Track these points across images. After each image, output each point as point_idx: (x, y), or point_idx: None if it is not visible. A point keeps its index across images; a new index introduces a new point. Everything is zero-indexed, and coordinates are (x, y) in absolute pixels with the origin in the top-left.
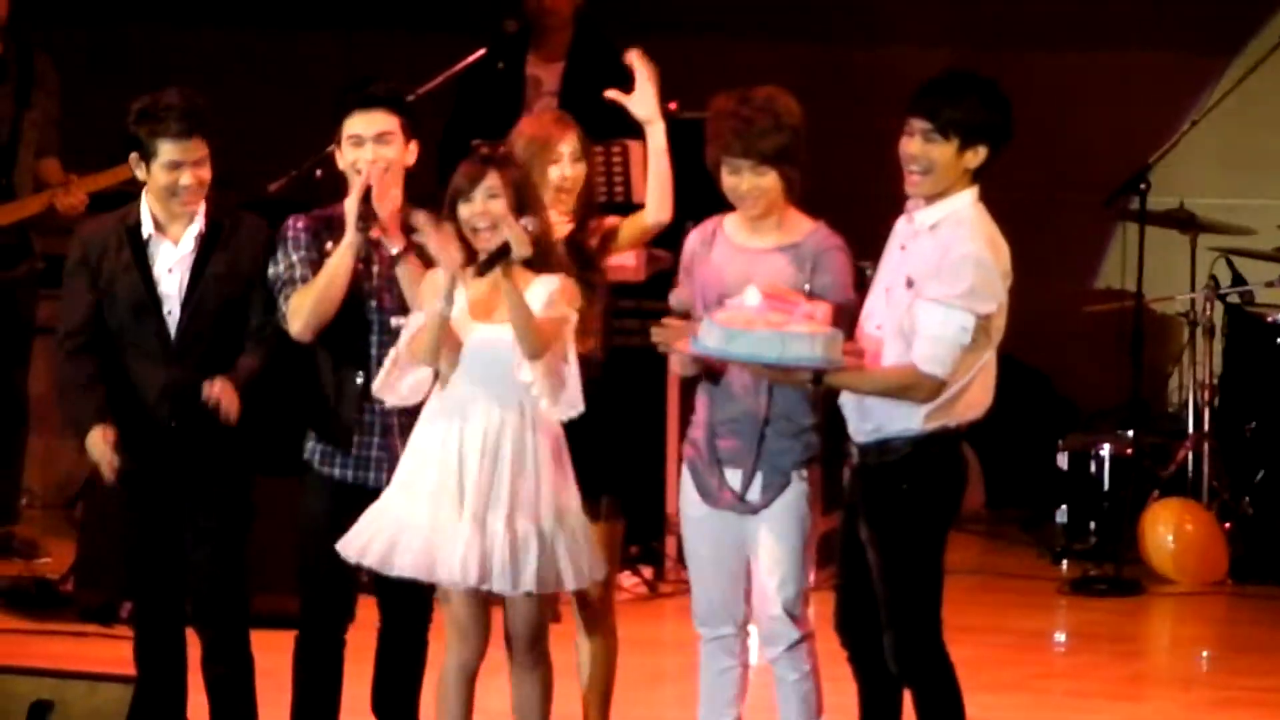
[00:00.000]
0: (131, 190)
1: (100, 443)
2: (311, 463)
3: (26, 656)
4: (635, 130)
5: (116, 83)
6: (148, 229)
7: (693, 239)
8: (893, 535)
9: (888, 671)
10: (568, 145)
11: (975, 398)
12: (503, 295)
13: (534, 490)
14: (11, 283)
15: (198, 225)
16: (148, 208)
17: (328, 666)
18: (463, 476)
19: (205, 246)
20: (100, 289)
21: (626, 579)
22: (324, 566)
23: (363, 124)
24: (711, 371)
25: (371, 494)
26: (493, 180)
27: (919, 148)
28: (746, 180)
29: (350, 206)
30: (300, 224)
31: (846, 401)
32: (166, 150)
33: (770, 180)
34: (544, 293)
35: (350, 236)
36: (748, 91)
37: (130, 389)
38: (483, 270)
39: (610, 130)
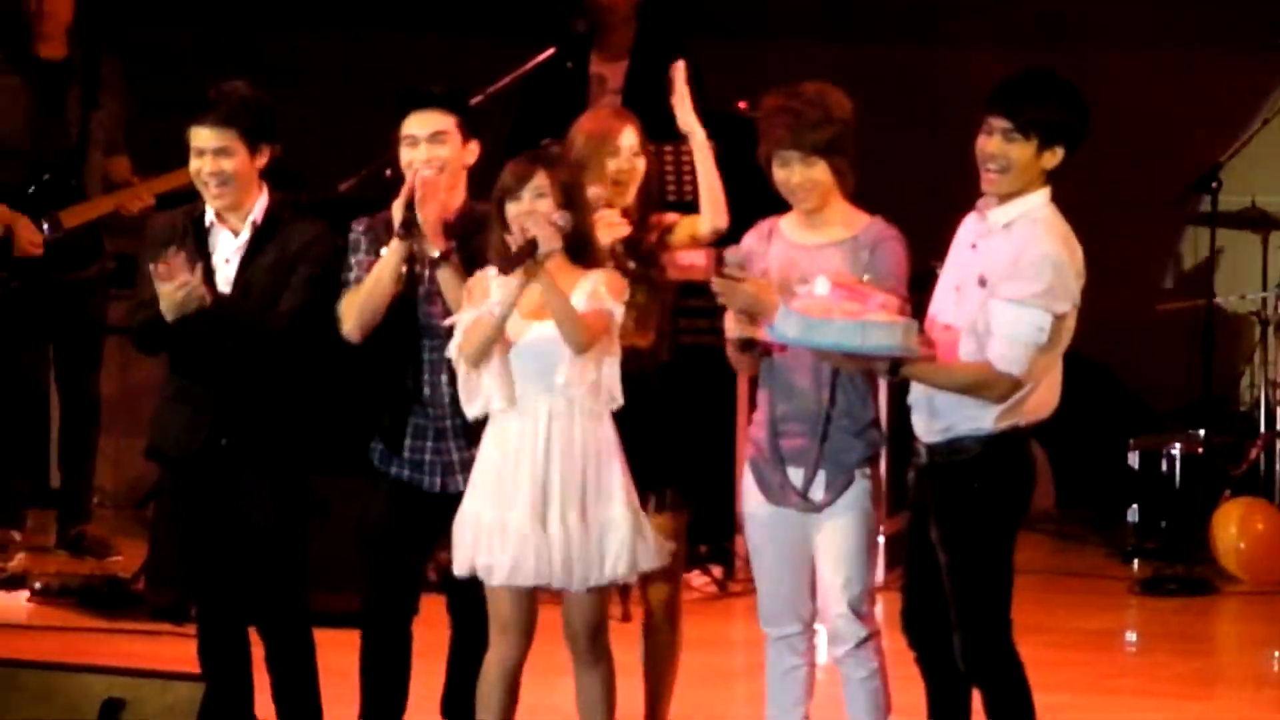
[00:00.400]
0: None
1: (167, 284)
2: (373, 461)
3: (99, 655)
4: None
5: (198, 84)
6: (209, 218)
7: (749, 238)
8: (962, 535)
9: (956, 671)
10: (626, 139)
11: (1044, 398)
12: (542, 290)
13: (583, 484)
14: (83, 283)
15: (254, 216)
16: (209, 202)
17: (393, 663)
18: (518, 474)
19: (258, 237)
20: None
21: (696, 578)
22: (384, 563)
23: (418, 124)
24: (769, 368)
25: (426, 496)
26: (540, 180)
27: (998, 146)
28: (797, 173)
29: (396, 212)
30: (360, 227)
31: (917, 400)
32: (191, 136)
33: (820, 172)
34: (588, 287)
35: (393, 242)
36: (797, 86)
37: (185, 378)
38: (508, 268)
39: (675, 127)
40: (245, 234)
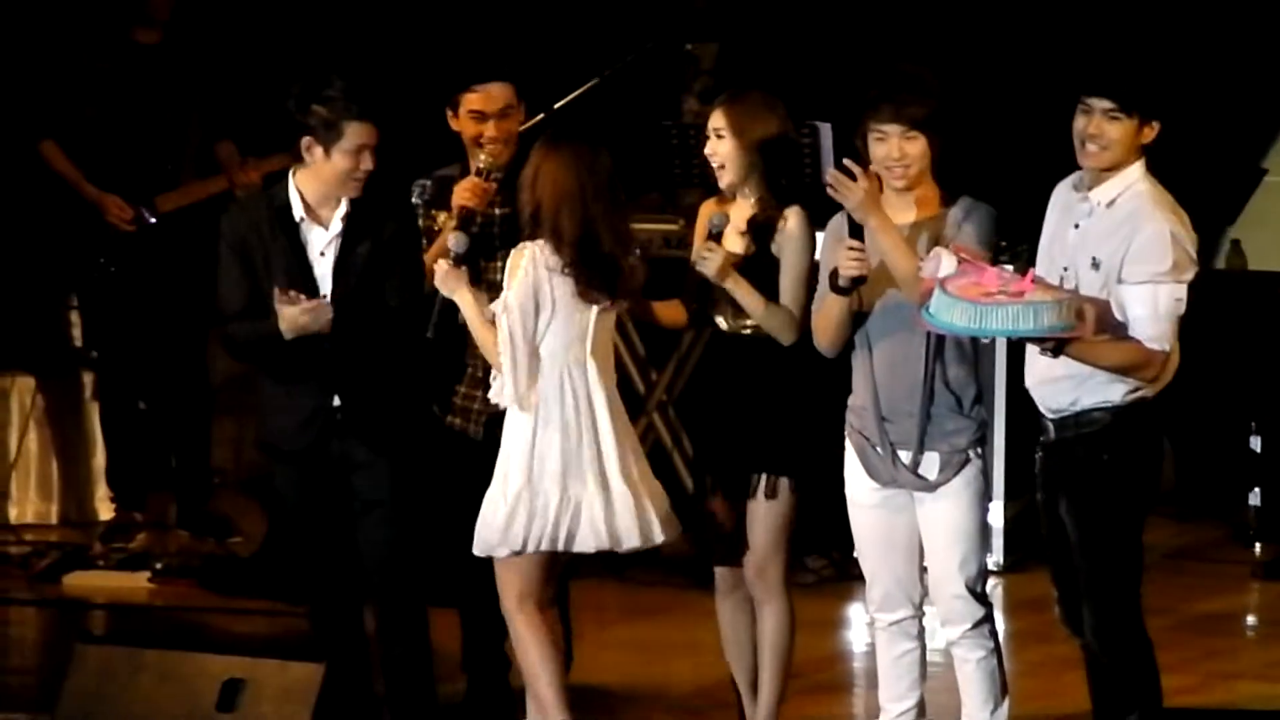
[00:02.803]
0: None
1: (291, 307)
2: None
3: (220, 635)
4: (817, 113)
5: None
6: (299, 212)
7: (832, 227)
8: (1093, 508)
9: None
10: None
11: (1170, 366)
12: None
13: (597, 452)
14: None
15: (343, 207)
16: (296, 190)
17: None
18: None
19: (350, 227)
20: (256, 273)
21: (813, 561)
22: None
23: (483, 100)
24: (864, 345)
25: (472, 444)
26: None
27: (1099, 126)
28: (896, 147)
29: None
30: (416, 190)
31: (1043, 376)
32: (353, 132)
33: (919, 147)
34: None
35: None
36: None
37: (289, 371)
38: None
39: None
40: (337, 226)
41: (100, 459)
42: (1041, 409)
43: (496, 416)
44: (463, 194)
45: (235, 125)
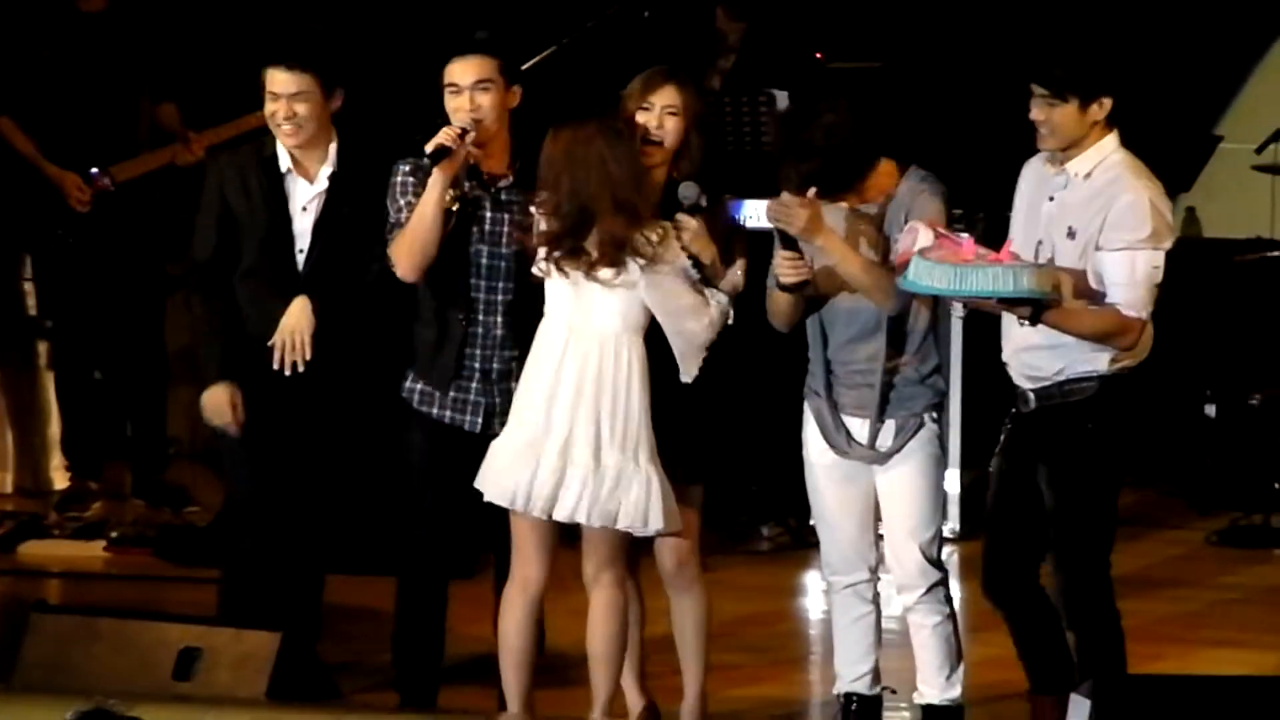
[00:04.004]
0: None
1: (221, 402)
2: (411, 401)
3: (175, 604)
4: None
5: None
6: (285, 163)
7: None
8: (1076, 476)
9: (1046, 622)
10: (661, 97)
11: (1148, 335)
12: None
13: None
14: (144, 235)
15: (331, 165)
16: (282, 143)
17: (430, 609)
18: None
19: (336, 186)
20: (234, 220)
21: (769, 529)
22: (427, 507)
23: (460, 71)
24: (819, 318)
25: (469, 437)
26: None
27: (1040, 112)
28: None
29: (431, 146)
30: (406, 168)
31: (1025, 346)
32: (267, 79)
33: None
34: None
35: (434, 175)
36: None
37: (255, 321)
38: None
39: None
40: (322, 184)
41: (55, 428)
42: (1021, 378)
43: (492, 409)
44: (442, 135)
45: (181, 90)
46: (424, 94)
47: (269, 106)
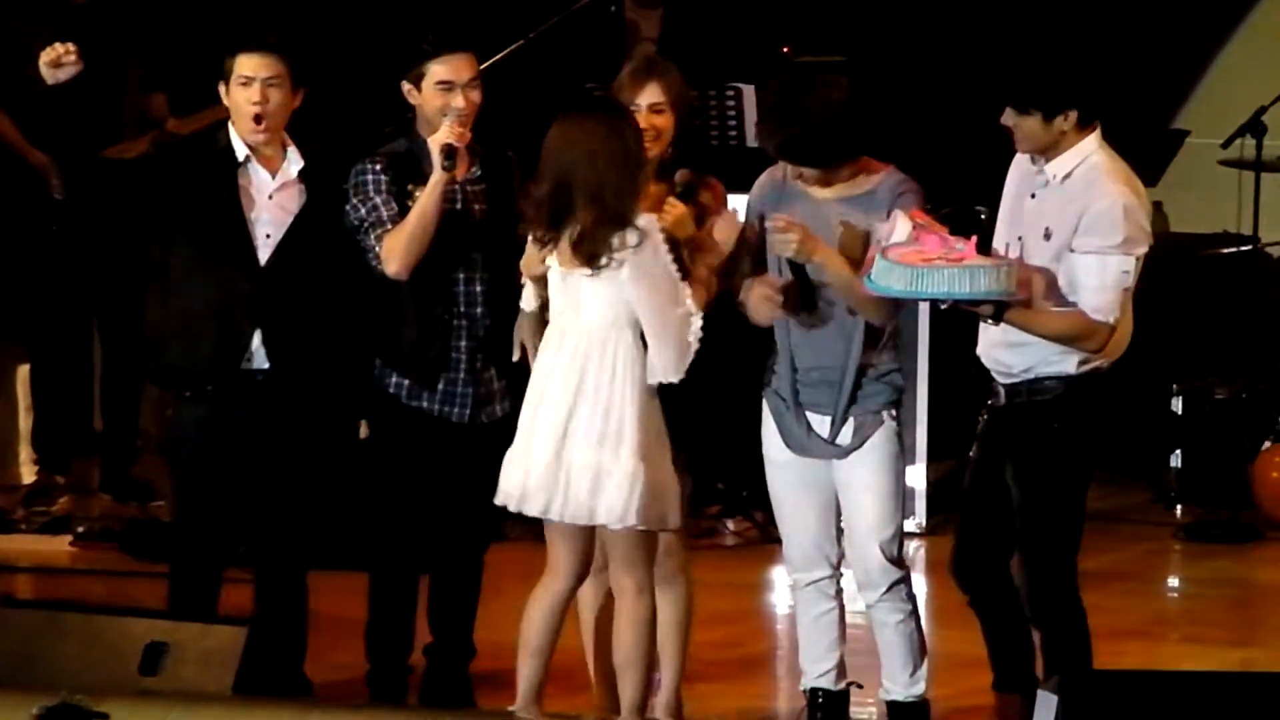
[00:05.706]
0: None
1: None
2: (399, 398)
3: (141, 598)
4: (745, 75)
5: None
6: (242, 152)
7: (754, 197)
8: (1040, 474)
9: (1014, 613)
10: (645, 96)
11: (1121, 337)
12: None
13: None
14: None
15: (294, 160)
16: (236, 135)
17: (403, 602)
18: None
19: (311, 180)
20: (190, 210)
21: (737, 524)
22: (412, 501)
23: (451, 70)
24: (799, 316)
25: (456, 428)
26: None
27: (1010, 120)
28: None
29: (434, 146)
30: (377, 166)
31: (998, 342)
32: (238, 64)
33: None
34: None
35: (437, 174)
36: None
37: (211, 312)
38: None
39: (713, 76)
40: (288, 175)
41: (24, 422)
42: (993, 373)
43: (480, 399)
44: (447, 134)
45: (169, 78)
46: (375, 94)
47: (239, 94)
